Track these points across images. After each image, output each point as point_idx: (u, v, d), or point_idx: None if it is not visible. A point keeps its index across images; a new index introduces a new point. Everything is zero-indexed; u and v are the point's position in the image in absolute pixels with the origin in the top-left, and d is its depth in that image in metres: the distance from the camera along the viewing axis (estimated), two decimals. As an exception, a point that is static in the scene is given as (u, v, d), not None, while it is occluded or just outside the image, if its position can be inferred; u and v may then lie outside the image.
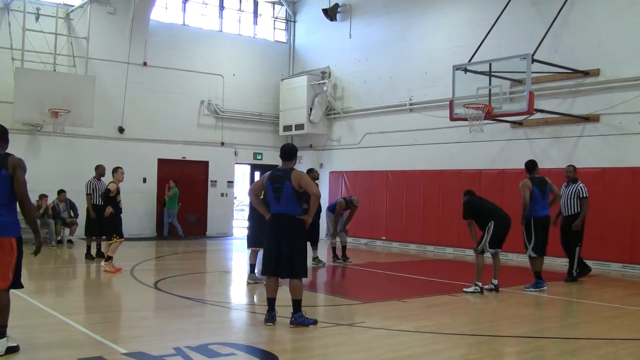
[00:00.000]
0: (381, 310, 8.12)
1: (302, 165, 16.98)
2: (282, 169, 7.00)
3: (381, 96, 18.09)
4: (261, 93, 20.70)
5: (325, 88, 19.35)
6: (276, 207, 6.88)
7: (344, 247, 13.37)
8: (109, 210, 11.15)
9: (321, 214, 12.97)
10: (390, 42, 17.99)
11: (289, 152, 7.09)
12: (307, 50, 21.06)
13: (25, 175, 5.44)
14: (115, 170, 11.40)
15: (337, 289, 10.89)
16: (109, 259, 10.99)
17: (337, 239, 13.36)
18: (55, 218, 15.34)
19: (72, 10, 17.28)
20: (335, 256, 13.30)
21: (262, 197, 7.55)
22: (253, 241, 9.93)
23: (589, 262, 12.41)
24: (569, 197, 10.92)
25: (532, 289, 9.76)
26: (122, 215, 11.43)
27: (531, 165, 10.20)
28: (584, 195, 10.82)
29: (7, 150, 5.61)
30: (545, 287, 9.77)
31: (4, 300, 5.44)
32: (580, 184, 10.92)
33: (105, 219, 11.35)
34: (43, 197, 15.22)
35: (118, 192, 11.25)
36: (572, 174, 11.08)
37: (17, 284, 5.51)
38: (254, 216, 9.81)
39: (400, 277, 11.93)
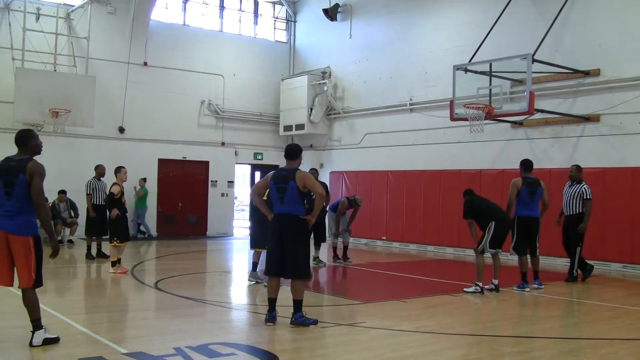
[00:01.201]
0: (381, 310, 8.12)
1: (302, 165, 16.92)
2: (286, 168, 6.99)
3: (381, 96, 18.09)
4: (261, 93, 20.71)
5: (325, 88, 19.36)
6: (280, 207, 6.87)
7: (345, 247, 13.34)
8: (115, 212, 10.90)
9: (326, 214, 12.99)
10: (391, 42, 18.00)
11: (293, 152, 7.09)
12: (308, 50, 21.07)
13: (43, 181, 5.69)
14: (118, 170, 11.16)
15: (338, 289, 10.89)
16: (113, 264, 10.83)
17: (339, 238, 13.32)
18: (55, 218, 15.34)
19: (73, 10, 17.29)
20: (335, 256, 13.29)
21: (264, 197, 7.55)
22: (255, 242, 9.92)
23: (590, 262, 12.45)
24: (572, 197, 10.89)
25: (516, 289, 9.77)
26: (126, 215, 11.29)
27: (528, 164, 10.20)
28: (587, 197, 10.78)
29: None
30: (527, 289, 9.74)
31: (30, 297, 5.67)
32: (585, 185, 10.88)
33: (110, 221, 11.15)
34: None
35: (122, 193, 11.09)
36: (573, 174, 11.04)
37: (39, 282, 5.70)
38: (255, 216, 9.81)
39: (401, 277, 11.93)
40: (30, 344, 5.63)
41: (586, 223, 10.78)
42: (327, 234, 13.21)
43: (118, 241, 10.86)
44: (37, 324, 5.67)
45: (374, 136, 18.36)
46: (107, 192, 11.57)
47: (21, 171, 5.58)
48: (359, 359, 5.75)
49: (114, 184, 11.09)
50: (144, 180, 17.78)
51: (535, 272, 10.06)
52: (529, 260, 10.06)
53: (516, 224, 9.91)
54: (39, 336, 5.65)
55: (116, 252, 10.90)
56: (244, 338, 6.58)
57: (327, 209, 13.39)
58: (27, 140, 5.79)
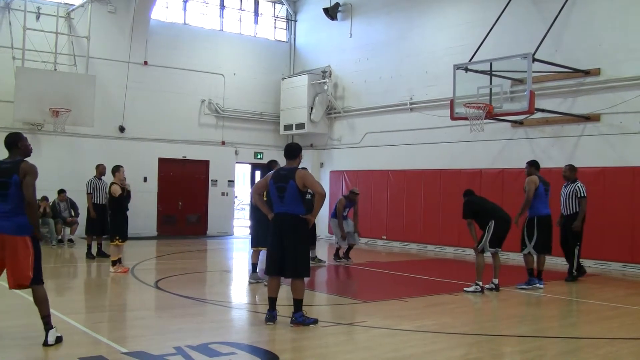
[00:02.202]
0: (382, 309, 8.13)
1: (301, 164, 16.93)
2: (286, 168, 6.99)
3: (382, 95, 18.08)
4: (262, 92, 20.71)
5: (326, 87, 19.35)
6: (280, 206, 6.87)
7: (349, 248, 13.33)
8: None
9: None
10: (391, 41, 17.99)
11: (292, 151, 7.08)
12: (308, 50, 21.06)
13: (35, 181, 5.73)
14: (117, 169, 11.18)
15: (338, 288, 10.89)
16: (113, 263, 10.84)
17: (346, 241, 13.21)
18: (55, 217, 15.35)
19: (73, 10, 17.29)
20: (336, 255, 13.26)
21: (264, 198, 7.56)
22: (255, 241, 9.94)
23: (589, 262, 12.48)
24: (567, 197, 10.91)
25: (525, 286, 9.79)
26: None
27: (538, 164, 10.29)
28: (582, 195, 10.78)
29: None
30: (537, 284, 9.79)
31: (40, 293, 5.75)
32: (579, 184, 10.90)
33: (110, 219, 11.20)
34: (44, 199, 15.21)
35: (123, 191, 11.11)
36: (567, 174, 11.07)
37: (37, 280, 5.73)
38: (255, 216, 9.83)
39: (401, 276, 11.93)
40: (46, 343, 5.63)
41: (580, 221, 10.76)
42: (335, 239, 13.26)
43: (120, 240, 10.88)
44: (47, 321, 5.72)
45: (374, 135, 18.36)
46: (108, 192, 11.57)
47: (15, 172, 5.64)
48: (359, 358, 5.75)
49: (113, 183, 11.10)
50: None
51: (540, 271, 10.08)
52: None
53: (537, 224, 9.89)
54: (53, 335, 5.70)
55: (117, 251, 10.91)
56: (244, 337, 6.58)
57: (330, 216, 13.40)
58: (17, 142, 5.86)
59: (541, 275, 10.07)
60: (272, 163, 10.07)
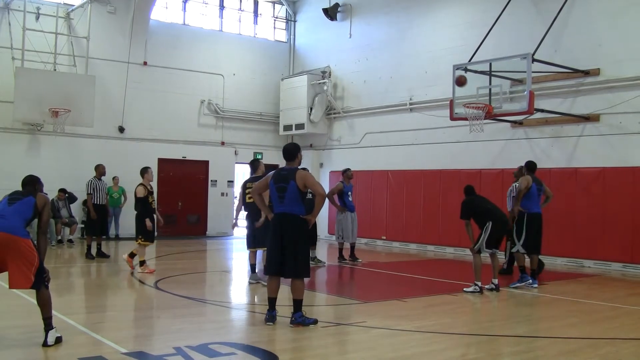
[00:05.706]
0: (381, 309, 8.13)
1: (302, 164, 16.92)
2: (286, 168, 6.99)
3: (381, 96, 18.08)
4: (261, 92, 20.70)
5: (325, 87, 19.35)
6: (280, 206, 6.87)
7: (352, 247, 13.36)
8: (148, 223, 10.97)
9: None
10: (391, 41, 17.99)
11: (290, 152, 7.07)
12: (308, 50, 21.06)
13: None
14: (145, 170, 11.22)
15: (338, 288, 10.89)
16: (142, 263, 10.86)
17: (344, 240, 13.26)
18: (55, 217, 15.33)
19: (73, 10, 17.29)
20: (341, 257, 13.26)
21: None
22: (251, 242, 9.98)
23: (590, 262, 12.52)
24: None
25: (518, 284, 9.82)
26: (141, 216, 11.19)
27: (533, 166, 10.32)
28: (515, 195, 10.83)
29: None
30: (529, 281, 9.82)
31: (45, 295, 5.79)
32: (515, 183, 10.98)
33: (136, 220, 11.17)
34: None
35: (150, 193, 11.09)
36: (517, 173, 11.18)
37: (39, 283, 5.74)
38: (251, 217, 9.90)
39: (401, 276, 11.93)
40: (45, 344, 5.64)
41: (511, 219, 10.44)
42: (337, 234, 13.32)
43: (142, 239, 10.92)
44: (48, 322, 5.75)
45: (374, 136, 18.36)
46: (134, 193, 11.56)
47: (31, 194, 5.99)
48: (359, 358, 5.75)
49: (140, 184, 11.14)
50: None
51: (533, 270, 10.09)
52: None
53: (526, 221, 9.93)
54: (53, 335, 5.72)
55: (142, 252, 10.94)
56: (244, 338, 6.58)
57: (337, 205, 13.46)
58: (35, 184, 6.22)
59: (535, 275, 10.08)
60: (256, 162, 10.23)
